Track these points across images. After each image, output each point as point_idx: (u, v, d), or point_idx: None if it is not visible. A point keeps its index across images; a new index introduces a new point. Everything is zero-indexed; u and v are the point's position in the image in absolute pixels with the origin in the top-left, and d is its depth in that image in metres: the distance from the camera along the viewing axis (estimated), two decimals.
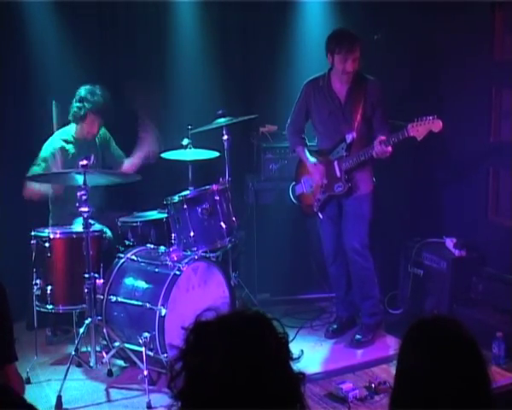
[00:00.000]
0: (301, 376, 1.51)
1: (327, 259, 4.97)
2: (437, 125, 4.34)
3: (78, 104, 4.81)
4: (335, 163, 4.68)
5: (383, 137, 4.44)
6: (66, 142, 4.90)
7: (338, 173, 4.68)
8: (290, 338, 1.59)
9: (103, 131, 5.07)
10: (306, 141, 4.92)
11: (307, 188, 4.88)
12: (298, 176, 4.96)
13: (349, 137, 4.61)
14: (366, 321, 4.82)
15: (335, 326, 4.94)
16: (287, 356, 1.51)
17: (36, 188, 4.79)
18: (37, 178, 4.68)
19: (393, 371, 1.74)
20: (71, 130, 4.95)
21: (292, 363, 1.51)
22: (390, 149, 4.43)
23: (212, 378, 1.43)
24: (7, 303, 2.31)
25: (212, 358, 1.44)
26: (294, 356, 1.52)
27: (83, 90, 4.82)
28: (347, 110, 4.64)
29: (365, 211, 4.72)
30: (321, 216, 4.82)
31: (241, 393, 1.42)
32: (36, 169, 4.76)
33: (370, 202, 4.73)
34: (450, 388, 1.61)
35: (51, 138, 4.92)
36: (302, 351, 4.45)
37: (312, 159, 4.79)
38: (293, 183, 4.98)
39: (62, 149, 4.85)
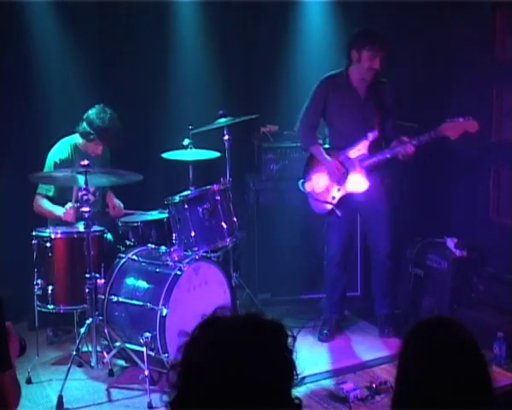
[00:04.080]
0: (297, 401, 1.46)
1: (332, 258, 4.85)
2: (473, 125, 4.35)
3: (87, 128, 4.73)
4: (356, 161, 4.63)
5: (407, 138, 4.47)
6: (71, 152, 4.83)
7: (358, 171, 4.63)
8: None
9: (106, 149, 4.98)
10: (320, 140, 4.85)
11: (320, 186, 4.73)
12: (307, 173, 4.79)
13: (371, 136, 4.57)
14: (391, 312, 4.85)
15: (326, 331, 4.84)
16: (288, 379, 1.45)
17: (44, 207, 4.77)
18: (41, 179, 4.67)
19: (394, 371, 1.75)
20: (76, 140, 4.86)
21: (292, 387, 1.45)
22: (413, 149, 4.45)
23: (207, 380, 1.42)
24: (1, 311, 2.29)
25: (204, 359, 1.43)
26: (297, 381, 1.46)
27: (94, 115, 4.72)
28: (367, 108, 4.60)
29: (390, 210, 4.72)
30: (339, 213, 4.65)
31: (231, 402, 1.38)
32: (43, 186, 4.75)
33: (391, 202, 4.75)
34: (451, 389, 1.61)
35: (56, 148, 4.84)
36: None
37: (329, 157, 4.68)
38: (302, 180, 4.79)
39: (66, 160, 4.79)
